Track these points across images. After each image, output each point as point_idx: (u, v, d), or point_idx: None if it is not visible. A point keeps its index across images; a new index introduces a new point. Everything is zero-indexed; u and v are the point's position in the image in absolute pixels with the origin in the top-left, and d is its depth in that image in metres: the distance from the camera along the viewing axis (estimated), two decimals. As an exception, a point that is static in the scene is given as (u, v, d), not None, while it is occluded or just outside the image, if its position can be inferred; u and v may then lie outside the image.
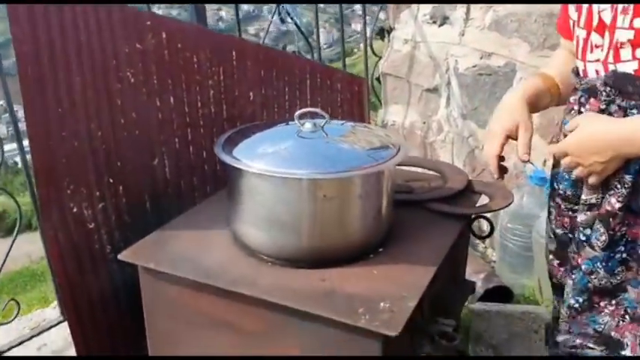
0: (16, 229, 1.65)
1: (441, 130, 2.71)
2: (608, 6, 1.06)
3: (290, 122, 1.37)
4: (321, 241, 1.25)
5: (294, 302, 1.13)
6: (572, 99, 1.22)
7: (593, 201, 1.14)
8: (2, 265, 1.68)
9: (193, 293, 1.24)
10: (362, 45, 2.81)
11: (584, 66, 1.15)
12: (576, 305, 1.19)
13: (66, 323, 1.86)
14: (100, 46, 1.34)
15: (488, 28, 2.43)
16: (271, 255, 1.27)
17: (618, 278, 1.13)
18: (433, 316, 1.30)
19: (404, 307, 1.10)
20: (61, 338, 1.87)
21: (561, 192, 1.27)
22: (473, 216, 1.50)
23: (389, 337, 1.05)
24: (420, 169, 1.74)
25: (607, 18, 1.06)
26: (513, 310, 1.98)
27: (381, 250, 1.30)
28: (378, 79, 2.93)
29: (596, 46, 1.10)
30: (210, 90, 1.61)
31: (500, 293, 2.18)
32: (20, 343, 1.78)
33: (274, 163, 1.21)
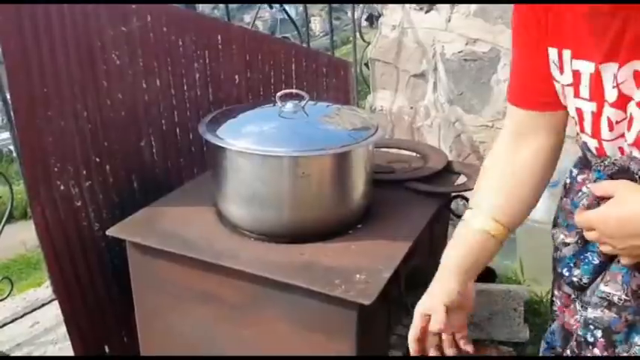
0: (6, 214, 1.68)
1: (428, 115, 2.75)
2: (629, 76, 0.80)
3: (272, 104, 1.40)
4: (300, 217, 1.30)
5: (274, 274, 1.18)
6: (580, 178, 0.98)
7: (616, 300, 0.88)
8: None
9: (179, 267, 1.29)
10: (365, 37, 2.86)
11: (599, 144, 0.89)
12: None
13: (54, 302, 1.93)
14: (85, 28, 1.37)
15: (473, 15, 2.47)
16: (253, 230, 1.31)
17: None
18: (411, 290, 1.35)
19: (379, 278, 1.15)
20: (54, 316, 1.91)
21: (575, 278, 0.96)
22: (453, 195, 1.55)
23: (364, 305, 1.09)
24: (402, 151, 1.78)
25: (631, 91, 0.81)
26: (495, 289, 2.03)
27: (359, 226, 1.34)
28: (366, 64, 2.96)
29: (617, 122, 0.84)
30: (196, 73, 1.65)
31: (484, 274, 2.23)
32: (13, 320, 1.82)
33: (256, 142, 1.25)
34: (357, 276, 1.15)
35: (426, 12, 2.62)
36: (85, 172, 1.46)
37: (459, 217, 1.53)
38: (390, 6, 2.75)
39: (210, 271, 1.25)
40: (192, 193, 1.51)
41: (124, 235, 1.32)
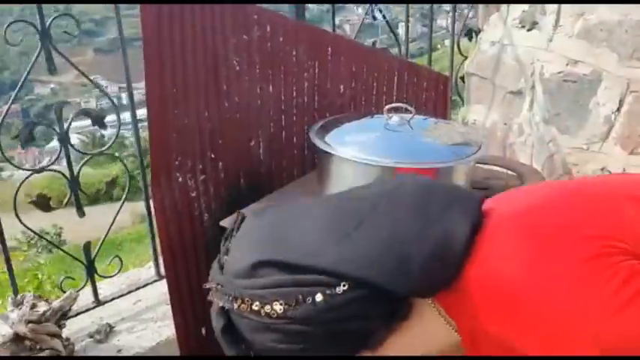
0: (125, 193, 1.83)
1: (522, 133, 2.75)
2: None
3: (378, 115, 1.48)
4: (399, 225, 1.36)
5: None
6: None
7: None
8: (110, 227, 1.89)
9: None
10: (447, 42, 2.89)
11: None
12: None
13: (158, 282, 2.09)
14: (213, 35, 1.50)
15: (576, 36, 2.45)
16: (352, 234, 1.39)
17: None
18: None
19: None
20: (154, 296, 2.08)
21: None
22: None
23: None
24: (498, 168, 1.81)
25: None
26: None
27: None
28: (462, 77, 2.99)
29: None
30: (305, 82, 1.75)
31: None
32: (120, 296, 1.99)
33: (362, 151, 1.33)
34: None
35: (528, 30, 2.62)
36: (201, 166, 1.59)
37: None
38: (491, 22, 2.77)
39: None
40: (294, 193, 1.61)
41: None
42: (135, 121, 1.82)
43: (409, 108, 1.41)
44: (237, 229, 0.91)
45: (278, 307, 0.77)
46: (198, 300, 1.70)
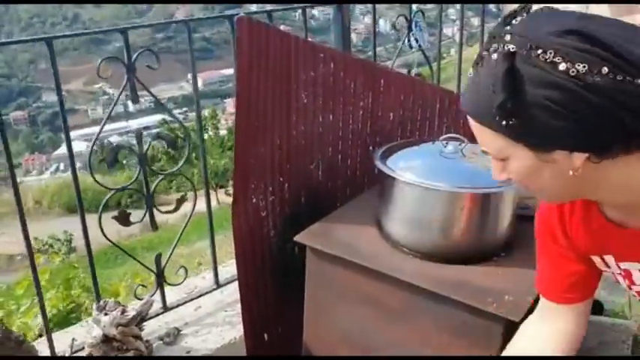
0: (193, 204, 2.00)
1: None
2: None
3: (434, 142, 1.68)
4: (454, 242, 1.56)
5: (434, 287, 1.45)
6: None
7: None
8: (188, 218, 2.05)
9: (349, 272, 1.58)
10: (452, 51, 3.09)
11: None
12: None
13: (216, 291, 2.28)
14: (288, 71, 1.70)
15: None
16: (412, 248, 1.58)
17: None
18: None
19: (524, 300, 1.39)
20: (213, 303, 2.27)
21: None
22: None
23: (512, 322, 1.34)
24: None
25: None
26: (604, 321, 2.20)
27: (502, 254, 1.58)
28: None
29: None
30: (360, 110, 1.95)
31: (592, 306, 2.40)
32: (184, 302, 2.18)
33: (421, 175, 1.52)
34: (506, 297, 1.40)
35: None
36: (271, 188, 1.79)
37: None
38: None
39: (376, 278, 1.54)
40: (354, 212, 1.80)
41: (307, 242, 1.63)
42: (202, 139, 2.02)
43: (462, 138, 1.60)
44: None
45: (580, 68, 0.77)
46: (264, 307, 1.89)
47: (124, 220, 1.90)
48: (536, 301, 1.43)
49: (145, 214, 1.97)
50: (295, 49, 1.69)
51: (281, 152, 1.77)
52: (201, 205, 2.21)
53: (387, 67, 2.11)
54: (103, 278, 4.55)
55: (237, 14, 1.61)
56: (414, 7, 2.62)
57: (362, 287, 1.58)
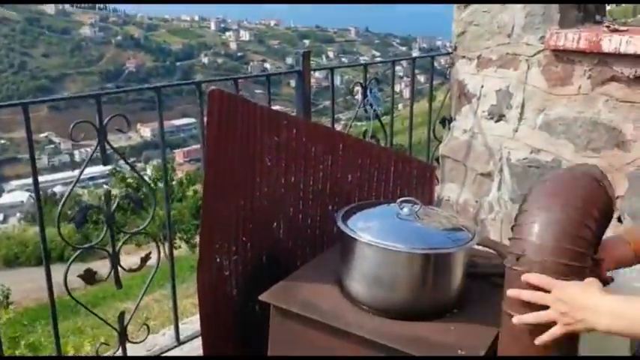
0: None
1: (492, 210, 3.10)
2: None
3: (390, 204, 1.79)
4: (411, 300, 1.65)
5: (392, 343, 1.53)
6: None
7: None
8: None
9: (311, 330, 1.64)
10: (399, 106, 3.31)
11: None
12: None
13: (177, 348, 2.29)
14: (254, 136, 1.80)
15: (539, 128, 2.85)
16: (371, 306, 1.66)
17: None
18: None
19: (476, 354, 1.48)
20: (173, 360, 2.28)
21: None
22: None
23: (466, 375, 1.43)
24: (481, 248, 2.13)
25: None
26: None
27: (455, 311, 1.69)
28: (437, 159, 3.36)
29: None
30: (320, 172, 2.05)
31: None
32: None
33: (380, 236, 1.62)
34: (460, 351, 1.49)
35: (496, 121, 3.01)
36: (234, 248, 1.85)
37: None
38: (463, 112, 3.16)
39: (337, 335, 1.61)
40: (316, 271, 1.87)
41: (271, 301, 1.69)
42: (168, 202, 2.08)
43: (416, 201, 1.72)
44: None
45: None
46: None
47: (89, 278, 1.93)
48: (488, 355, 1.53)
49: (110, 273, 2.00)
50: (260, 116, 1.80)
51: (245, 213, 1.84)
52: (154, 256, 2.24)
53: (345, 133, 2.24)
54: (46, 335, 4.43)
55: (199, 80, 1.72)
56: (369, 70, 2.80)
57: (324, 344, 1.64)
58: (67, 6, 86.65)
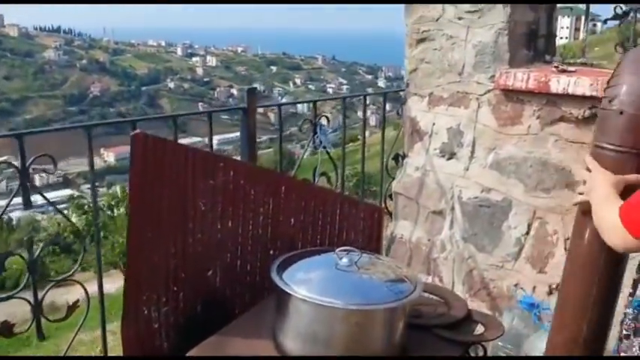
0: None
1: (444, 249, 3.05)
2: None
3: (330, 252, 1.70)
4: (348, 356, 1.56)
5: (327, 407, 1.43)
6: None
7: None
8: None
9: (243, 392, 1.53)
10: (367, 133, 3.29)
11: None
12: None
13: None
14: (185, 181, 1.70)
15: (489, 167, 2.81)
16: (307, 364, 1.56)
17: None
18: None
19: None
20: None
21: None
22: (472, 342, 1.81)
23: None
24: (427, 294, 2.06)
25: None
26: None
27: (395, 367, 1.60)
28: (390, 195, 3.30)
29: None
30: (260, 216, 1.96)
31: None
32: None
33: (316, 291, 1.53)
34: (397, 415, 1.40)
35: (448, 159, 2.97)
36: (164, 299, 1.74)
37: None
38: (415, 149, 3.12)
39: (270, 397, 1.50)
40: (251, 324, 1.77)
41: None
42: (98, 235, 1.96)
43: (355, 250, 1.64)
44: None
45: None
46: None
47: (7, 332, 1.79)
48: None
49: (31, 323, 1.86)
50: (192, 159, 1.70)
51: (176, 260, 1.74)
52: (107, 286, 2.11)
53: (288, 176, 2.16)
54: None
55: (133, 119, 1.61)
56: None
57: (255, 405, 1.54)
58: (30, 29, 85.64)
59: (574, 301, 1.69)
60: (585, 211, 1.61)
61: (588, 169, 1.63)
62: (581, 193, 1.64)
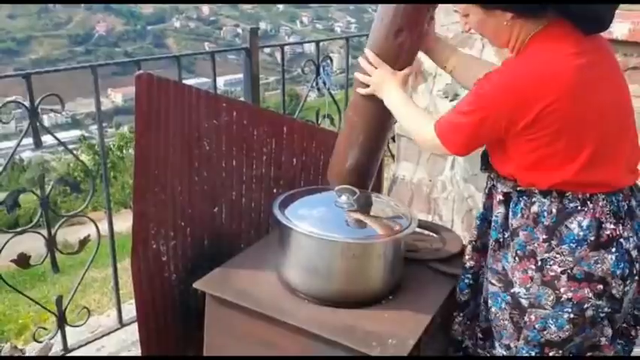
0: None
1: (445, 189, 3.11)
2: None
3: (329, 191, 1.77)
4: (347, 288, 1.65)
5: (324, 332, 1.53)
6: None
7: None
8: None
9: (248, 318, 1.63)
10: None
11: None
12: None
13: (120, 330, 2.27)
14: (189, 121, 1.75)
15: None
16: (307, 294, 1.66)
17: None
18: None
19: (406, 344, 1.50)
20: (115, 342, 2.26)
21: None
22: (464, 275, 1.89)
23: (395, 365, 1.44)
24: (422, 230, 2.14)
25: None
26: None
27: (391, 297, 1.69)
28: (393, 137, 3.34)
29: None
30: (264, 156, 2.02)
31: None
32: (86, 344, 2.17)
33: (317, 226, 1.61)
34: (390, 340, 1.50)
35: (450, 100, 3.00)
36: (172, 233, 1.82)
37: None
38: (419, 91, 3.14)
39: (272, 324, 1.60)
40: (256, 257, 1.86)
41: (206, 289, 1.68)
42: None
43: (354, 189, 1.70)
44: None
45: None
46: (165, 348, 1.92)
47: (23, 263, 1.89)
48: (418, 343, 1.55)
49: (45, 257, 1.96)
50: (197, 100, 1.75)
51: (182, 198, 1.81)
52: (117, 225, 2.21)
53: (290, 117, 2.20)
54: (7, 304, 4.38)
55: (138, 59, 1.65)
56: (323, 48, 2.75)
57: (259, 332, 1.64)
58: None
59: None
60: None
61: (371, 65, 1.70)
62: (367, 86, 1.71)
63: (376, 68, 1.68)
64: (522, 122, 1.32)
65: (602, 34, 1.42)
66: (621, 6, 1.76)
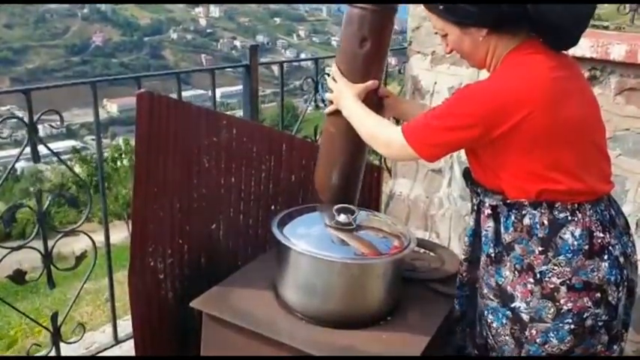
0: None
1: (442, 206, 3.12)
2: None
3: (328, 209, 1.77)
4: (345, 308, 1.64)
5: (321, 353, 1.52)
6: None
7: None
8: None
9: (244, 338, 1.62)
10: None
11: None
12: None
13: (116, 347, 2.25)
14: (190, 138, 1.75)
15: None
16: (305, 314, 1.65)
17: None
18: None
19: None
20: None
21: None
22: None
23: (393, 387, 1.43)
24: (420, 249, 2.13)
25: None
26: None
27: (389, 318, 1.68)
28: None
29: None
30: (262, 173, 2.02)
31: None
32: (81, 361, 2.15)
33: (315, 245, 1.60)
34: (388, 362, 1.49)
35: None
36: (169, 251, 1.82)
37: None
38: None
39: (269, 344, 1.59)
40: (253, 275, 1.85)
41: (203, 308, 1.67)
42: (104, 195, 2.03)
43: (353, 208, 1.70)
44: None
45: None
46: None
47: (20, 279, 1.87)
48: (417, 366, 1.54)
49: (41, 273, 1.95)
50: (197, 117, 1.75)
51: (181, 215, 1.81)
52: (111, 237, 2.19)
53: (289, 134, 2.21)
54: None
55: (137, 75, 1.65)
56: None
57: (256, 351, 1.62)
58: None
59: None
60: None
61: (334, 79, 1.73)
62: (331, 102, 1.75)
63: (336, 82, 1.72)
64: (498, 131, 1.33)
65: (569, 51, 1.47)
66: (619, 28, 1.77)
